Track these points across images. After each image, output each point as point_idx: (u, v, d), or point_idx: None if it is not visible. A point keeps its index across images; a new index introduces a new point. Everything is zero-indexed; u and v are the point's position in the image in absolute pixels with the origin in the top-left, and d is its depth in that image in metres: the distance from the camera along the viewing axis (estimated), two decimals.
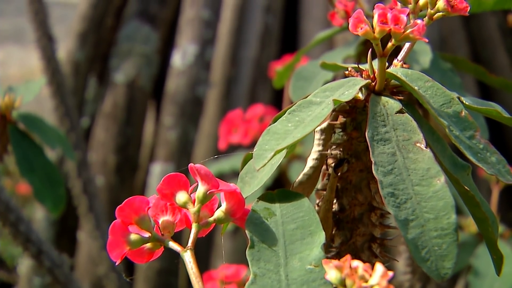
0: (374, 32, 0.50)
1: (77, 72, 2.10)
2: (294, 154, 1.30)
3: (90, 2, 2.11)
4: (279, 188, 0.53)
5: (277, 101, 1.84)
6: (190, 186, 0.50)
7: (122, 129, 2.02)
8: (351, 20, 0.51)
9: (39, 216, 2.01)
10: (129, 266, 1.94)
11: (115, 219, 0.48)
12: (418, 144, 0.50)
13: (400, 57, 0.56)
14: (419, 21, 0.52)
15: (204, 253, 1.87)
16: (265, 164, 0.46)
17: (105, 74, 2.12)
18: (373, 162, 0.47)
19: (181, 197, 0.49)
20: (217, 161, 1.46)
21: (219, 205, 0.51)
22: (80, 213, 1.56)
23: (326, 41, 1.03)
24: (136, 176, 2.08)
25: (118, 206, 0.47)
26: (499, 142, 1.98)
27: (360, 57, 0.92)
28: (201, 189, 0.49)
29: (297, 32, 2.07)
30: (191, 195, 0.50)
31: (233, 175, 1.58)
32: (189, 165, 0.49)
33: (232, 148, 1.49)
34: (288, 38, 2.11)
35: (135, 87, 2.05)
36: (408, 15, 0.52)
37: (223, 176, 1.66)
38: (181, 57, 2.03)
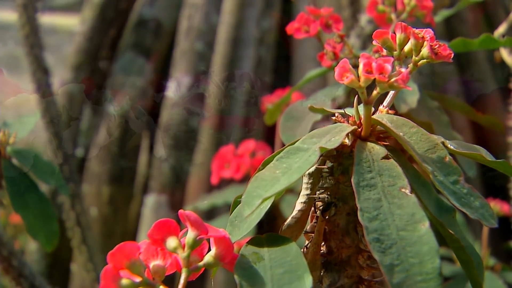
0: (359, 81, 0.52)
1: (72, 103, 2.12)
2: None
3: (86, 36, 2.14)
4: (269, 233, 0.54)
5: (271, 132, 1.86)
6: (181, 230, 0.51)
7: (116, 160, 2.03)
8: (336, 70, 0.52)
9: (32, 247, 2.00)
10: None
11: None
12: (403, 190, 0.51)
13: (385, 103, 0.58)
14: (403, 70, 0.53)
15: (198, 285, 1.86)
16: (253, 211, 0.47)
17: (99, 105, 2.13)
18: (358, 208, 0.49)
19: (172, 242, 0.50)
20: (210, 195, 1.47)
21: (209, 249, 0.52)
22: (74, 245, 1.56)
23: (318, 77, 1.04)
24: (130, 208, 2.09)
25: (110, 252, 0.48)
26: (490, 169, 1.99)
27: (350, 95, 0.94)
28: (191, 235, 0.50)
29: (290, 64, 2.10)
30: (181, 239, 0.51)
31: (226, 208, 1.59)
32: (179, 211, 0.50)
33: (225, 182, 1.50)
34: (281, 70, 2.13)
35: (129, 119, 2.06)
36: (393, 62, 0.53)
37: (216, 209, 1.67)
38: (175, 89, 2.04)
